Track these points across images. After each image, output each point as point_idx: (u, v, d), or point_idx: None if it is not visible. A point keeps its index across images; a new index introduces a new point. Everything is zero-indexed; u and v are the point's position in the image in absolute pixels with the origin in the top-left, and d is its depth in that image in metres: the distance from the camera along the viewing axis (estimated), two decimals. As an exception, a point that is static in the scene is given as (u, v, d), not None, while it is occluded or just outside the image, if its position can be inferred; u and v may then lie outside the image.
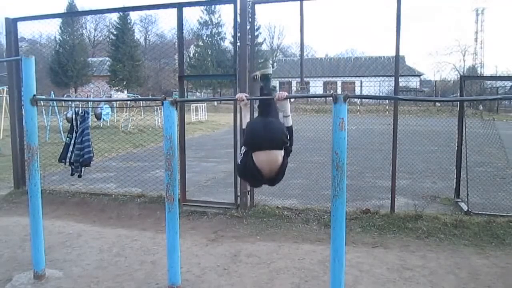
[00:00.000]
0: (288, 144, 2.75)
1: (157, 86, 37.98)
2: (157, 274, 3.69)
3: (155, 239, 4.59)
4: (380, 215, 5.14)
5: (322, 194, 6.27)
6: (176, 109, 3.33)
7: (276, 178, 2.72)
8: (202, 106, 25.33)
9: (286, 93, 3.08)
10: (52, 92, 17.00)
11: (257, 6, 5.51)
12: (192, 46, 40.70)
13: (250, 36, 5.48)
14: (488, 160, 9.10)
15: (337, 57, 51.22)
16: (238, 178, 5.54)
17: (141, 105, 18.05)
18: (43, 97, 4.96)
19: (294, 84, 41.25)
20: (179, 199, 3.31)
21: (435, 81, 42.91)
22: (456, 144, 5.79)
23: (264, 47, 50.81)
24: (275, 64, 52.18)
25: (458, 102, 6.02)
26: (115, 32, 36.40)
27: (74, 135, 4.83)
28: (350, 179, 5.79)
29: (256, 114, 4.06)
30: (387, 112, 20.74)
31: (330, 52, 60.53)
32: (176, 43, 6.26)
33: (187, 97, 14.60)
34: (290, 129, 2.87)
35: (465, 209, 5.29)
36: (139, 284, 3.52)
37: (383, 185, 6.81)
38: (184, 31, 6.22)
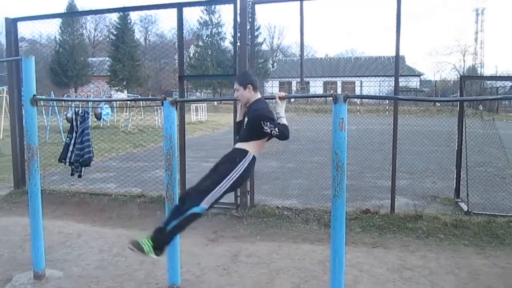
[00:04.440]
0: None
1: (157, 86, 37.99)
2: (157, 274, 3.68)
3: (155, 239, 4.58)
4: (380, 215, 5.14)
5: (322, 194, 6.27)
6: (176, 109, 3.33)
7: None
8: (202, 106, 25.32)
9: (283, 93, 3.14)
10: (52, 92, 16.99)
11: (257, 6, 5.51)
12: (192, 46, 40.70)
13: (250, 36, 5.48)
14: (488, 160, 9.09)
15: (337, 57, 51.27)
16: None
17: (141, 105, 18.05)
18: (43, 97, 4.97)
19: (294, 84, 41.30)
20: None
21: (435, 81, 42.94)
22: (456, 144, 5.80)
23: (264, 47, 50.86)
24: (275, 64, 52.25)
25: (458, 102, 6.02)
26: (115, 32, 36.39)
27: (74, 135, 4.83)
28: (350, 179, 5.79)
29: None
30: (387, 112, 20.72)
31: (330, 52, 60.64)
32: (176, 43, 6.26)
33: (187, 97, 14.61)
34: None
35: (465, 209, 5.29)
36: (139, 284, 3.52)
37: (383, 185, 6.81)
38: (184, 31, 6.21)
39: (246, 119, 3.10)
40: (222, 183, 2.94)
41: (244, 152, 3.00)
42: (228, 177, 2.94)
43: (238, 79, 3.19)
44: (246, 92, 3.11)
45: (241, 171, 2.96)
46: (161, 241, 2.91)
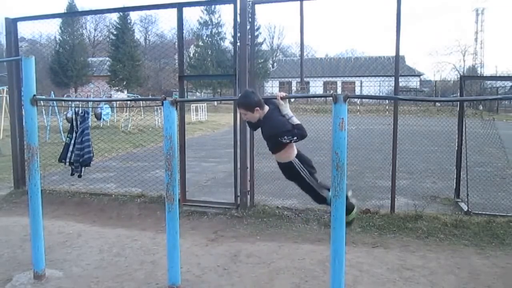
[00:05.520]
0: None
1: (157, 86, 37.97)
2: (157, 274, 3.69)
3: (155, 239, 4.59)
4: (380, 215, 5.14)
5: (322, 194, 6.26)
6: (176, 109, 3.33)
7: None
8: (202, 106, 25.32)
9: (283, 93, 3.15)
10: (52, 92, 17.00)
11: (257, 6, 5.51)
12: (192, 46, 40.71)
13: (250, 36, 5.48)
14: (488, 160, 9.10)
15: (337, 57, 51.27)
16: (238, 178, 5.55)
17: (141, 105, 18.06)
18: (43, 97, 4.96)
19: (294, 84, 41.33)
20: (179, 199, 3.31)
21: (435, 81, 42.96)
22: (456, 144, 5.80)
23: (264, 47, 50.85)
24: (275, 64, 52.26)
25: (458, 102, 6.01)
26: (115, 32, 36.41)
27: (74, 135, 4.84)
28: (350, 179, 5.79)
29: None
30: (387, 112, 20.74)
31: (330, 52, 60.60)
32: (176, 43, 6.26)
33: (187, 97, 14.61)
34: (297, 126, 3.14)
35: (465, 209, 5.29)
36: (139, 284, 3.52)
37: (383, 185, 6.81)
38: (184, 31, 6.21)
39: (262, 132, 3.23)
40: (307, 182, 3.36)
41: (290, 164, 3.27)
42: (305, 178, 3.34)
43: (243, 105, 3.15)
44: (255, 114, 3.15)
45: (302, 168, 3.29)
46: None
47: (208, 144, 13.99)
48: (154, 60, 40.64)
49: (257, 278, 3.62)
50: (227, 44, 40.08)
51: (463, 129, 5.64)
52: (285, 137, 3.02)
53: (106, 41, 44.75)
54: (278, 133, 3.04)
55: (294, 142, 3.09)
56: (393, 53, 5.15)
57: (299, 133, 3.03)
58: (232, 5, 5.31)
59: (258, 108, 3.12)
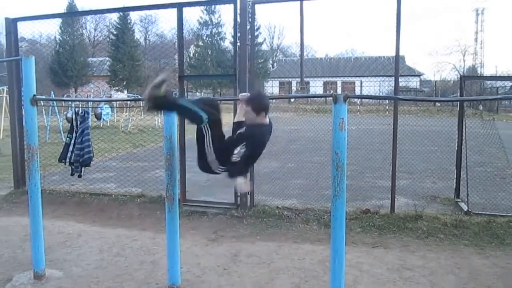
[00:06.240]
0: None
1: (157, 86, 37.87)
2: (157, 274, 3.69)
3: (155, 239, 4.60)
4: (380, 215, 5.14)
5: (322, 194, 6.27)
6: (176, 109, 3.32)
7: None
8: (202, 106, 25.25)
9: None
10: (52, 92, 16.98)
11: (257, 6, 5.51)
12: (192, 46, 40.69)
13: (250, 36, 5.48)
14: (488, 160, 9.09)
15: (337, 57, 51.22)
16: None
17: (141, 105, 18.03)
18: (43, 97, 4.97)
19: (294, 84, 41.32)
20: (179, 199, 3.31)
21: (435, 81, 42.92)
22: (456, 144, 5.80)
23: (264, 47, 50.82)
24: (275, 64, 52.26)
25: (458, 102, 6.02)
26: (115, 32, 36.37)
27: (74, 135, 4.84)
28: (350, 179, 5.78)
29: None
30: (387, 112, 20.72)
31: (330, 52, 60.50)
32: (176, 43, 6.26)
33: (187, 97, 14.59)
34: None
35: (465, 209, 5.29)
36: (139, 284, 3.52)
37: (383, 185, 6.80)
38: (184, 31, 6.21)
39: (243, 130, 3.00)
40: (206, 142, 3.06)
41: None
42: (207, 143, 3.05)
43: (255, 104, 2.91)
44: (257, 119, 2.92)
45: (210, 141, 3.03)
46: (165, 102, 2.95)
47: (208, 144, 13.97)
48: (154, 60, 40.59)
49: (257, 278, 3.62)
50: (227, 44, 40.08)
51: (463, 129, 5.65)
52: (243, 151, 2.78)
53: (106, 41, 44.70)
54: (248, 142, 2.80)
55: (230, 161, 2.82)
56: (393, 53, 5.15)
57: (238, 165, 2.78)
58: (232, 5, 5.31)
59: (264, 112, 2.91)
